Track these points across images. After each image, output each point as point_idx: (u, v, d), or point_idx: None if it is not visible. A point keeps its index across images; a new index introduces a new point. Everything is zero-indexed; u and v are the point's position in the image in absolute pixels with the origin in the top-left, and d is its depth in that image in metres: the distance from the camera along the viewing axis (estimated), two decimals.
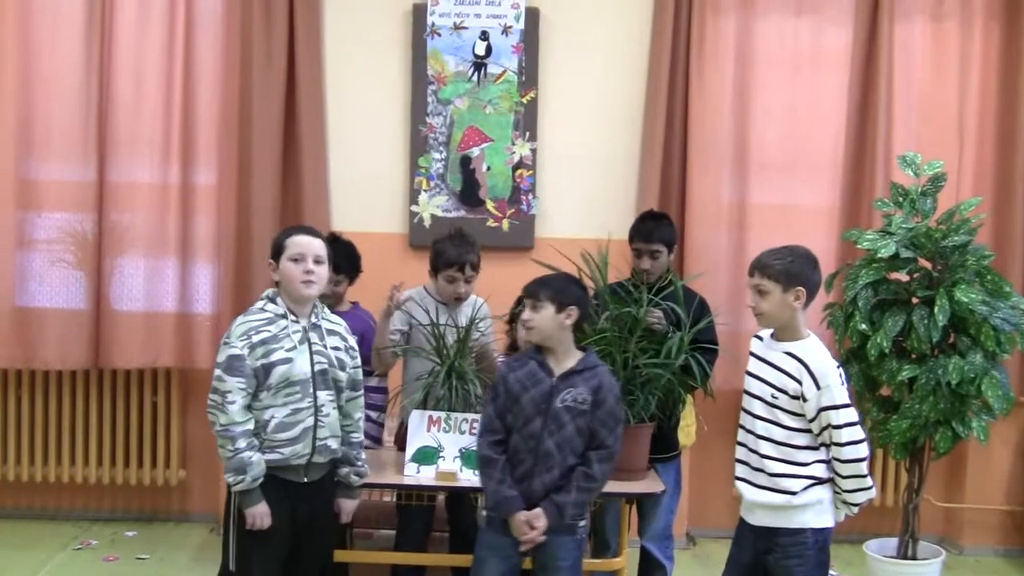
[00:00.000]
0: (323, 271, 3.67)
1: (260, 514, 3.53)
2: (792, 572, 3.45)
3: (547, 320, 3.56)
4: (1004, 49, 5.63)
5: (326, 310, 3.78)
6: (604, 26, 5.64)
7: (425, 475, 4.04)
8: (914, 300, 4.73)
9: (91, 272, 5.49)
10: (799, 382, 3.41)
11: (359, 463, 3.82)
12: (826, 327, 4.98)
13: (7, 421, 5.71)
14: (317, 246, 3.66)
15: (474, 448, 4.00)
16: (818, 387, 3.38)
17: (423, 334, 4.30)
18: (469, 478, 4.01)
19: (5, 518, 5.81)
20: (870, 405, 4.87)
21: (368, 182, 5.63)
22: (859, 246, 4.80)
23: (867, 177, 5.58)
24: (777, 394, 3.45)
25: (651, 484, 4.09)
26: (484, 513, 3.65)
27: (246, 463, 3.48)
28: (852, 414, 3.39)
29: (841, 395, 3.38)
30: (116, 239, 5.50)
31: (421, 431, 4.07)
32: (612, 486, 3.98)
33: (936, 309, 4.53)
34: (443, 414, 4.07)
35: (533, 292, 3.60)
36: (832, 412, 3.37)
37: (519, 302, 4.38)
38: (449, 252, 4.37)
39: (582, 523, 3.63)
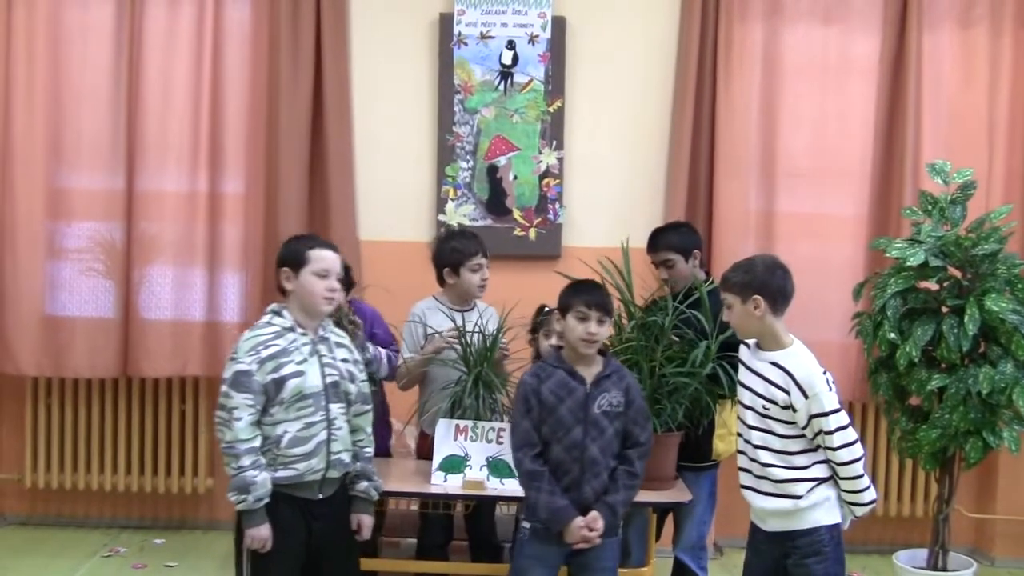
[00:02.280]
0: (340, 288, 3.67)
1: (260, 537, 3.46)
2: (813, 570, 3.46)
3: (606, 334, 3.63)
4: None
5: (330, 324, 3.74)
6: (630, 35, 5.64)
7: (452, 484, 4.04)
8: (944, 309, 4.70)
9: (120, 281, 5.53)
10: (787, 393, 3.42)
11: (376, 477, 3.77)
12: (855, 336, 4.96)
13: (37, 429, 5.75)
14: (339, 263, 3.64)
15: (501, 457, 4.02)
16: (806, 396, 3.39)
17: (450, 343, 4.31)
18: (496, 487, 4.01)
19: (35, 525, 5.85)
20: (899, 415, 4.84)
21: (395, 191, 5.64)
22: (888, 255, 4.76)
23: (896, 185, 5.54)
24: (768, 405, 3.47)
25: (678, 493, 4.08)
26: (527, 526, 3.63)
27: (249, 482, 3.41)
28: (842, 418, 3.41)
29: (830, 401, 3.39)
30: (145, 248, 5.54)
31: (448, 440, 4.07)
32: (638, 495, 3.97)
33: (966, 318, 4.50)
34: (470, 423, 4.07)
35: (608, 308, 3.60)
36: (822, 419, 3.39)
37: (540, 311, 4.39)
38: (466, 246, 4.45)
39: (621, 522, 3.68)
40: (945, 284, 4.73)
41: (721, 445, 4.43)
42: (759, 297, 3.45)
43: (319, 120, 5.54)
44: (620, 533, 3.69)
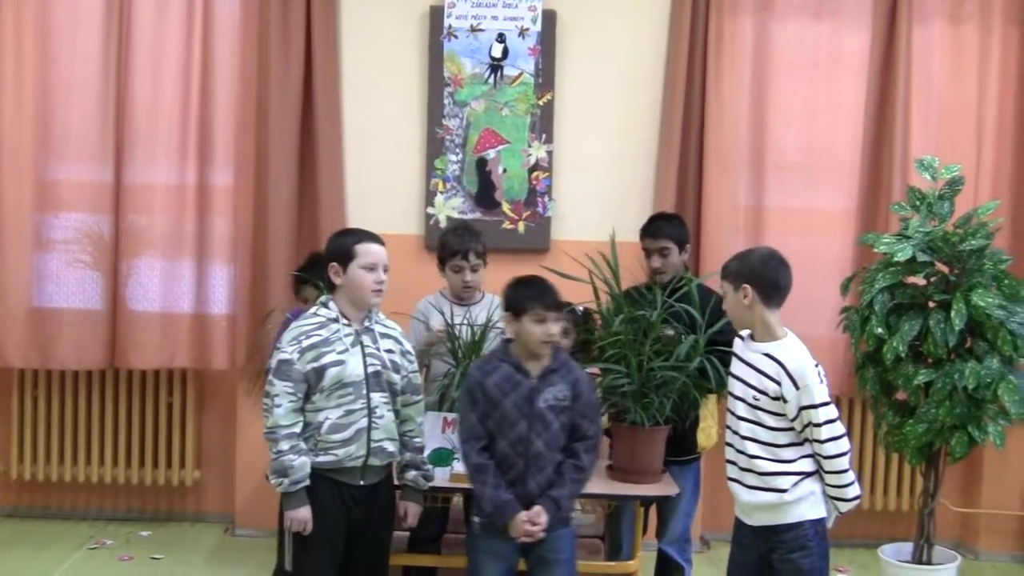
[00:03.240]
0: (387, 279, 3.72)
1: (300, 519, 3.55)
2: (798, 565, 3.47)
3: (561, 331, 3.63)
4: (1023, 53, 5.60)
5: (381, 315, 3.79)
6: (621, 28, 5.63)
7: (440, 476, 4.04)
8: (931, 304, 4.71)
9: (108, 273, 5.51)
10: (778, 383, 3.43)
11: (426, 467, 3.86)
12: (842, 331, 4.97)
13: (24, 421, 5.74)
14: (385, 255, 3.71)
15: None
16: (797, 387, 3.41)
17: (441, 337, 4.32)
18: None
19: (22, 517, 5.84)
20: (886, 409, 4.85)
21: (384, 183, 5.64)
22: (876, 250, 4.78)
23: (884, 180, 5.55)
24: (758, 396, 3.48)
25: (665, 487, 4.09)
26: (477, 520, 3.65)
27: (287, 466, 3.51)
28: (831, 411, 3.42)
29: (820, 393, 3.41)
30: (133, 240, 5.52)
31: (436, 433, 4.08)
32: (626, 489, 4.00)
33: (953, 313, 4.51)
34: (458, 416, 4.07)
35: (562, 306, 3.62)
36: (812, 411, 3.40)
37: None
38: (452, 242, 4.47)
39: (574, 515, 3.68)
40: (932, 279, 4.74)
41: (702, 437, 4.46)
42: (748, 287, 3.48)
43: (309, 112, 5.53)
44: (573, 526, 3.68)
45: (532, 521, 3.51)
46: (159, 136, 5.50)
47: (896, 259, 4.63)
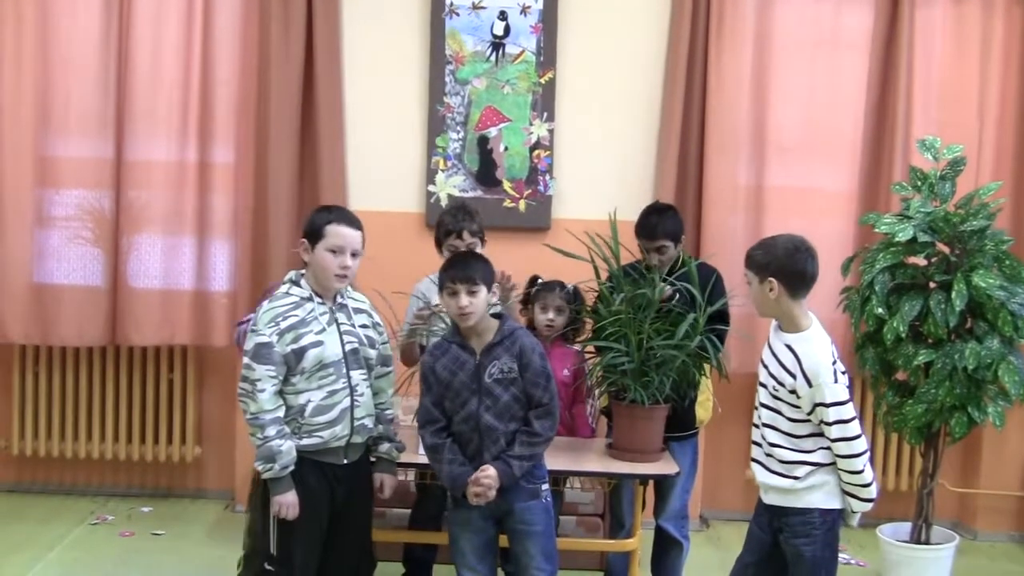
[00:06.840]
0: (356, 264, 3.63)
1: (288, 503, 3.51)
2: (801, 551, 3.45)
3: (483, 302, 3.57)
4: None
5: (350, 289, 3.74)
6: (623, 6, 5.62)
7: None
8: (931, 285, 4.71)
9: (108, 249, 5.52)
10: (793, 377, 3.39)
11: (397, 438, 3.84)
12: (843, 311, 4.98)
13: (25, 397, 5.75)
14: (356, 240, 3.60)
15: None
16: (810, 385, 3.36)
17: (441, 317, 4.30)
18: None
19: (23, 493, 5.86)
20: (886, 389, 4.86)
21: (385, 161, 5.63)
22: (877, 230, 4.77)
23: (886, 161, 5.55)
24: (777, 387, 3.45)
25: (665, 466, 4.09)
26: (450, 495, 3.68)
27: (275, 451, 3.46)
28: (845, 411, 3.35)
29: (833, 393, 3.34)
30: (133, 216, 5.52)
31: None
32: (627, 467, 4.00)
33: (953, 294, 4.52)
34: None
35: (473, 277, 3.54)
36: (823, 409, 3.35)
37: (532, 283, 4.39)
38: (447, 222, 4.39)
39: (544, 487, 3.66)
40: (933, 260, 4.74)
41: (701, 411, 4.45)
42: (774, 280, 3.40)
43: (310, 90, 5.52)
44: (545, 498, 3.66)
45: (478, 481, 3.51)
46: (160, 112, 5.49)
47: (897, 239, 4.63)
